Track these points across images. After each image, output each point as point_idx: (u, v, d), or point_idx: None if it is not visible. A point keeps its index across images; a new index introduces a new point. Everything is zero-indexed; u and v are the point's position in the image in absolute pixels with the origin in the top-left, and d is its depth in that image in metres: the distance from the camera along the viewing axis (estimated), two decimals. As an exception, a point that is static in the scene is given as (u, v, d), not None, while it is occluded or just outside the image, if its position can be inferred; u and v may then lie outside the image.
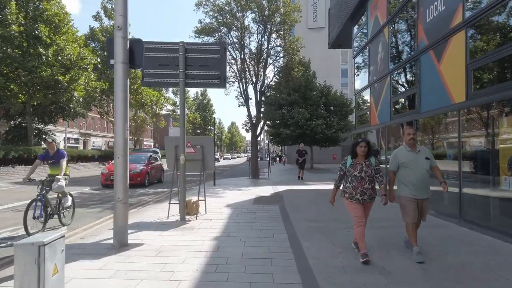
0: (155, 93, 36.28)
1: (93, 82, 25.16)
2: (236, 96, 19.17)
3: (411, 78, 9.35)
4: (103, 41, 30.96)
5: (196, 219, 7.04)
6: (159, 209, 8.14)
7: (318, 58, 37.80)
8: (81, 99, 25.77)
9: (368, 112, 12.65)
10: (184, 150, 6.99)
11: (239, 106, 19.69)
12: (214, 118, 18.54)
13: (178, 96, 58.66)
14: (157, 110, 44.04)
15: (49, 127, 32.70)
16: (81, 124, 49.44)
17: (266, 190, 12.75)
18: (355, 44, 14.54)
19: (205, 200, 7.76)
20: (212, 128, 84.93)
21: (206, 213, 7.67)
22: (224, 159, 70.25)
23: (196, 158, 7.50)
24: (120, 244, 4.96)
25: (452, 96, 7.11)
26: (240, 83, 18.69)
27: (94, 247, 4.97)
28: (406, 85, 9.73)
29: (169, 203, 7.23)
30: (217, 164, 46.23)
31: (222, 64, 7.16)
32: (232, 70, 18.87)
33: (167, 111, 64.17)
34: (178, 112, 51.73)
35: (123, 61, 5.08)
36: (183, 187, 6.97)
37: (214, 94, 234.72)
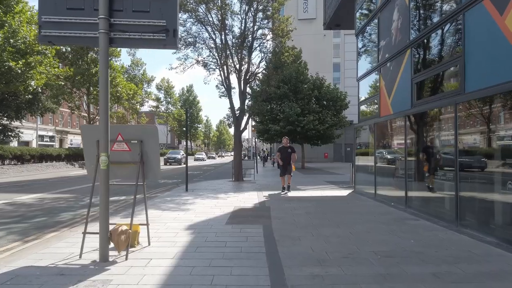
0: (132, 86, 33.08)
1: (55, 70, 22.01)
2: (216, 85, 16.48)
3: (449, 46, 6.79)
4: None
5: (126, 259, 4.32)
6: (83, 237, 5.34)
7: (309, 51, 35.15)
8: (39, 89, 22.54)
9: (377, 101, 10.11)
10: (108, 146, 4.28)
11: (220, 97, 17.00)
12: (187, 109, 15.80)
13: (163, 91, 55.67)
14: (137, 106, 40.82)
15: (17, 123, 29.25)
16: (57, 121, 45.80)
17: (249, 199, 10.09)
18: (358, 18, 11.96)
19: (147, 225, 5.03)
20: (199, 125, 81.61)
21: (149, 244, 4.96)
22: (196, 159, 51.14)
23: (131, 159, 4.78)
24: None
25: (530, 62, 4.57)
26: (221, 71, 15.98)
27: None
28: (438, 58, 7.16)
29: (84, 233, 4.49)
30: (197, 164, 42.43)
31: (171, 8, 4.46)
32: (212, 55, 16.18)
33: (150, 107, 60.95)
34: (162, 109, 48.51)
35: None
36: (104, 207, 4.25)
37: (202, 90, 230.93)
